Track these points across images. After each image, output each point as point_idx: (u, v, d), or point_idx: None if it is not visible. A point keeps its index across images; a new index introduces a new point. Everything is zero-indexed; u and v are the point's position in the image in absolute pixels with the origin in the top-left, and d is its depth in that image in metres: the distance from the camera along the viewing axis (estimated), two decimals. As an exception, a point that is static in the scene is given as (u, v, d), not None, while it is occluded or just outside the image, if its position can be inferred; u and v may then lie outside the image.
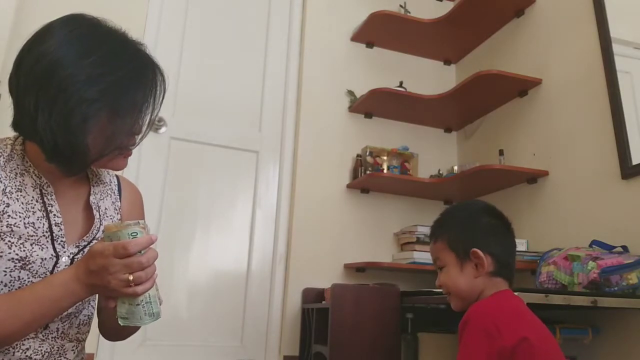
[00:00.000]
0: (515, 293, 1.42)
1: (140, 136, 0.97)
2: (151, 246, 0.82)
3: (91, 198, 1.01)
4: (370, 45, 2.95)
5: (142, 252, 0.79)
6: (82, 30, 0.90)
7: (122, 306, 0.82)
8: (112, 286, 0.79)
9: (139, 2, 2.57)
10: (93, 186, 1.03)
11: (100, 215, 1.01)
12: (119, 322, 0.83)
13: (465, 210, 1.24)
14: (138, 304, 0.81)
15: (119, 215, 1.07)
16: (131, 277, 0.78)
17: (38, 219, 0.91)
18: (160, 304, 0.86)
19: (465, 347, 1.02)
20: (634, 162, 1.85)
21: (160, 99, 0.96)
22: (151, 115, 0.95)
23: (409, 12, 2.85)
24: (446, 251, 1.17)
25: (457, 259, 1.15)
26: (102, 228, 1.00)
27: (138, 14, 2.54)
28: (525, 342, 0.98)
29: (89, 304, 1.02)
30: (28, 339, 0.92)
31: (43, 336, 0.94)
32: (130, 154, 0.99)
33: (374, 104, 2.74)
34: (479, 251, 1.12)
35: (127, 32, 0.95)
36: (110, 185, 1.08)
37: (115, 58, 0.90)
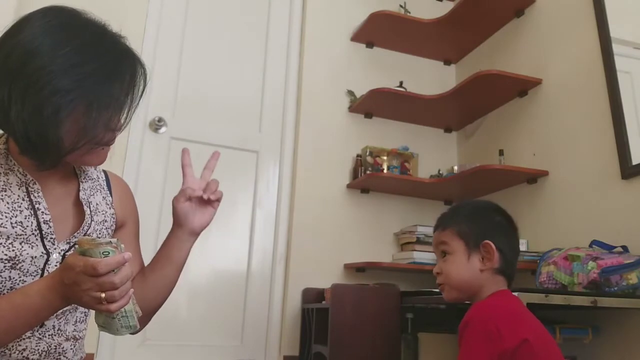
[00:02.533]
0: (515, 293, 1.43)
1: (119, 131, 0.94)
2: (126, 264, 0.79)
3: (80, 194, 1.00)
4: (370, 45, 2.95)
5: (115, 270, 0.76)
6: (59, 21, 0.88)
7: (99, 316, 0.82)
8: (85, 301, 0.78)
9: (139, 2, 2.57)
10: (82, 182, 1.02)
11: (91, 211, 1.00)
12: (98, 329, 0.83)
13: (477, 207, 1.23)
14: (114, 317, 0.80)
15: (112, 210, 1.07)
16: (103, 295, 0.76)
17: (26, 218, 0.90)
18: (137, 317, 0.84)
19: (466, 350, 1.02)
20: (634, 162, 1.85)
21: (140, 92, 0.93)
22: (129, 109, 0.92)
23: (409, 12, 2.85)
24: (455, 239, 1.15)
25: (466, 248, 1.14)
26: (92, 225, 1.00)
27: (138, 14, 2.54)
28: (526, 344, 0.98)
29: None
30: (24, 338, 0.91)
31: (40, 334, 0.93)
32: (109, 148, 0.96)
33: (374, 104, 2.74)
34: (491, 244, 1.11)
35: (107, 24, 0.92)
36: (98, 180, 1.07)
37: (92, 49, 0.87)
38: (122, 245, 0.79)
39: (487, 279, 1.12)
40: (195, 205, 1.07)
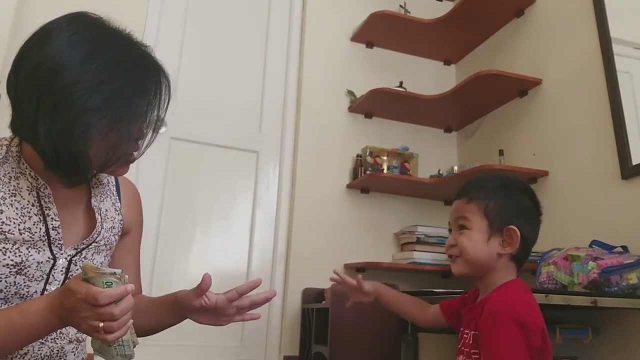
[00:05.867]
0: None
1: (145, 144, 0.94)
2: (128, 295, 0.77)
3: (93, 201, 0.99)
4: (370, 45, 2.95)
5: (117, 302, 0.75)
6: (85, 33, 0.86)
7: (95, 341, 0.81)
8: (82, 328, 0.77)
9: (139, 2, 2.57)
10: (93, 188, 1.01)
11: (101, 219, 0.99)
12: (94, 352, 0.83)
13: (507, 184, 1.16)
14: (110, 345, 0.80)
15: (120, 216, 1.06)
16: (102, 325, 0.75)
17: (34, 224, 0.89)
18: (134, 347, 0.83)
19: (499, 345, 0.99)
20: (634, 162, 1.85)
21: (166, 104, 0.93)
22: (157, 122, 0.92)
23: (409, 12, 2.85)
24: (479, 216, 1.10)
25: (488, 228, 1.09)
26: (102, 232, 0.99)
27: (138, 14, 2.54)
28: (544, 333, 0.99)
29: None
30: None
31: (42, 338, 0.92)
32: (133, 160, 0.96)
33: (374, 104, 2.74)
34: (517, 230, 1.07)
35: (131, 34, 0.92)
36: (108, 185, 1.06)
37: (120, 64, 0.86)
38: (127, 277, 0.79)
39: (501, 264, 1.10)
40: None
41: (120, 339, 0.79)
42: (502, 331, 0.98)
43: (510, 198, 1.12)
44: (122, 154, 0.90)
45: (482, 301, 1.09)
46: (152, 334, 1.08)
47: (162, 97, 0.92)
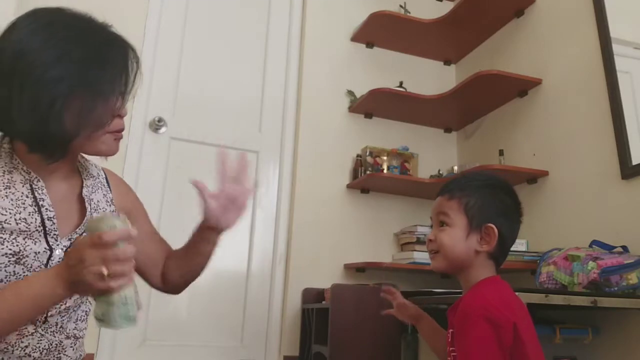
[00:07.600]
0: (516, 294, 1.43)
1: (118, 115, 0.97)
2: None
3: (84, 191, 1.01)
4: (370, 45, 2.95)
5: (120, 245, 0.77)
6: (44, 20, 0.90)
7: (98, 306, 0.80)
8: (87, 280, 0.76)
9: (139, 2, 2.57)
10: (85, 179, 1.03)
11: (91, 208, 1.01)
12: (96, 323, 0.81)
13: (489, 183, 1.17)
14: (113, 304, 0.78)
15: (112, 207, 1.08)
16: (106, 272, 0.75)
17: (30, 214, 0.91)
18: (138, 309, 0.81)
19: (472, 342, 1.00)
20: (634, 162, 1.85)
21: (134, 74, 0.95)
22: (125, 92, 0.94)
23: (409, 12, 2.85)
24: (459, 212, 1.11)
25: (467, 225, 1.10)
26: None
27: (138, 14, 2.54)
28: (515, 328, 0.99)
29: (87, 299, 1.03)
30: (27, 335, 0.92)
31: (42, 330, 0.94)
32: (121, 137, 0.99)
33: (374, 104, 2.74)
34: (495, 228, 1.09)
35: (92, 15, 0.95)
36: (98, 178, 1.09)
37: (79, 39, 0.90)
38: (129, 223, 0.80)
39: (479, 261, 1.11)
40: (222, 206, 1.16)
41: (124, 296, 0.79)
42: (473, 330, 0.99)
43: (491, 197, 1.14)
44: (93, 122, 0.91)
45: (459, 300, 1.10)
46: (202, 270, 1.20)
47: (129, 67, 0.94)
